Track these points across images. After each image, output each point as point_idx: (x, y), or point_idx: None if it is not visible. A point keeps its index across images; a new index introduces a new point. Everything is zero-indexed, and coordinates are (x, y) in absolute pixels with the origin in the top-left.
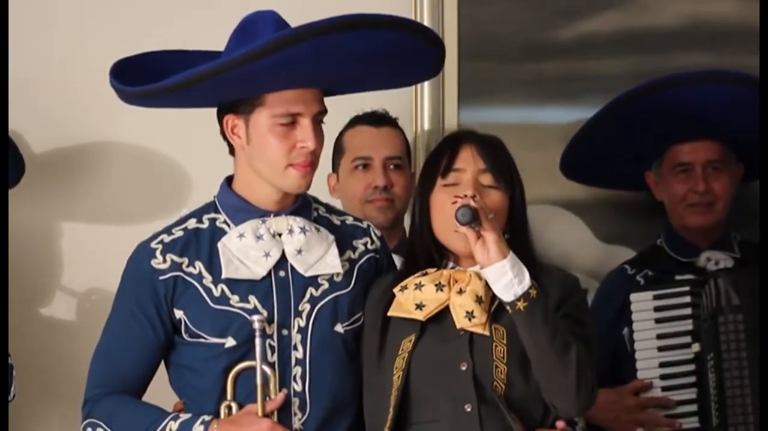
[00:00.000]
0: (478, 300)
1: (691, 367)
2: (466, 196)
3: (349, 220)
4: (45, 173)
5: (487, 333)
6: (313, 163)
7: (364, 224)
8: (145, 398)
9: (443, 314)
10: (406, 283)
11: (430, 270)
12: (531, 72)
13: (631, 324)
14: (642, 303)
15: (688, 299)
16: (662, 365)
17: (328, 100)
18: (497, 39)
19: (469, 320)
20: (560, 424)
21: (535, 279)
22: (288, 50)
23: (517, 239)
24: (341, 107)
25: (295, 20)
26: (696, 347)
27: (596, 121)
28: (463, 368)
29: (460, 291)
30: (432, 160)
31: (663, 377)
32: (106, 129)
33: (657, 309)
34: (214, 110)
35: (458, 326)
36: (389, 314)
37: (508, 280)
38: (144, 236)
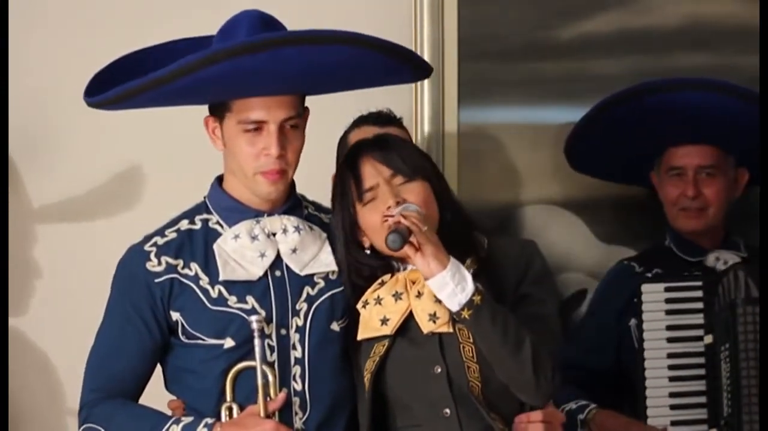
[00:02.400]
0: (438, 300)
1: (701, 360)
2: (394, 207)
3: None
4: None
5: (452, 331)
6: (282, 170)
7: None
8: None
9: (409, 321)
10: (366, 298)
11: (385, 278)
12: (531, 72)
13: (640, 315)
14: (653, 294)
15: (700, 293)
16: (670, 356)
17: (330, 101)
18: (497, 39)
19: (434, 322)
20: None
21: (492, 261)
22: (205, 71)
23: (453, 222)
24: (341, 107)
25: (292, 20)
26: (709, 338)
27: (591, 117)
28: (438, 371)
29: (419, 294)
30: (340, 189)
31: (671, 367)
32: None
33: (668, 301)
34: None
35: (425, 331)
36: (359, 338)
37: (450, 290)
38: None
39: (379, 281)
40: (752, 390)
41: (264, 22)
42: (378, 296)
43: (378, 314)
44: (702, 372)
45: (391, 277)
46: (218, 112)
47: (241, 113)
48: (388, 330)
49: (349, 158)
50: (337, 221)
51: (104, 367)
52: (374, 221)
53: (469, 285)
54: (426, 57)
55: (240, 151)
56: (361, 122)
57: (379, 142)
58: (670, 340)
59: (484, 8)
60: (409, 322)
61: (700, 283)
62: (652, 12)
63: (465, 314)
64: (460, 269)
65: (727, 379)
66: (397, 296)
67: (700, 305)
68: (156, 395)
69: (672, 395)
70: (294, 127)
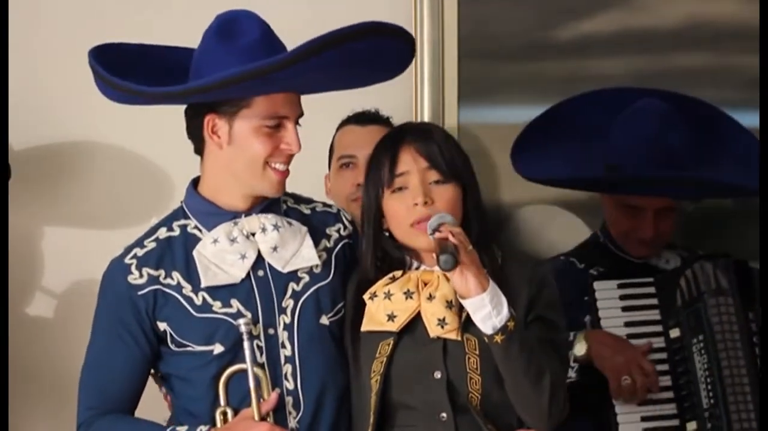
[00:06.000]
0: (449, 305)
1: (663, 355)
2: (421, 206)
3: (319, 207)
4: (25, 175)
5: (459, 338)
6: (289, 164)
7: (334, 209)
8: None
9: (416, 320)
10: (375, 290)
11: (397, 274)
12: (531, 72)
13: (596, 312)
14: (606, 292)
15: (652, 289)
16: None
17: (328, 103)
18: (497, 39)
19: (442, 327)
20: None
21: (504, 279)
22: (307, 62)
23: (475, 232)
24: (339, 109)
25: (292, 19)
26: (675, 332)
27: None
28: (437, 376)
29: (430, 297)
30: (373, 167)
31: None
32: (86, 130)
33: (623, 298)
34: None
35: (431, 335)
36: (362, 329)
37: (486, 313)
38: (124, 238)
39: (391, 275)
40: (736, 380)
41: (259, 20)
42: (388, 291)
43: (386, 309)
44: (666, 367)
45: (403, 274)
46: (227, 109)
47: (266, 109)
48: (394, 327)
49: (388, 140)
50: (365, 201)
51: (97, 384)
52: (398, 211)
53: (505, 310)
54: (426, 57)
55: (254, 146)
56: (346, 122)
57: (423, 131)
58: (630, 336)
59: (484, 8)
60: (414, 322)
61: (651, 279)
62: (652, 12)
63: (497, 338)
64: (498, 293)
65: (705, 371)
66: (408, 294)
67: (654, 301)
68: (153, 403)
69: None
70: (297, 124)
